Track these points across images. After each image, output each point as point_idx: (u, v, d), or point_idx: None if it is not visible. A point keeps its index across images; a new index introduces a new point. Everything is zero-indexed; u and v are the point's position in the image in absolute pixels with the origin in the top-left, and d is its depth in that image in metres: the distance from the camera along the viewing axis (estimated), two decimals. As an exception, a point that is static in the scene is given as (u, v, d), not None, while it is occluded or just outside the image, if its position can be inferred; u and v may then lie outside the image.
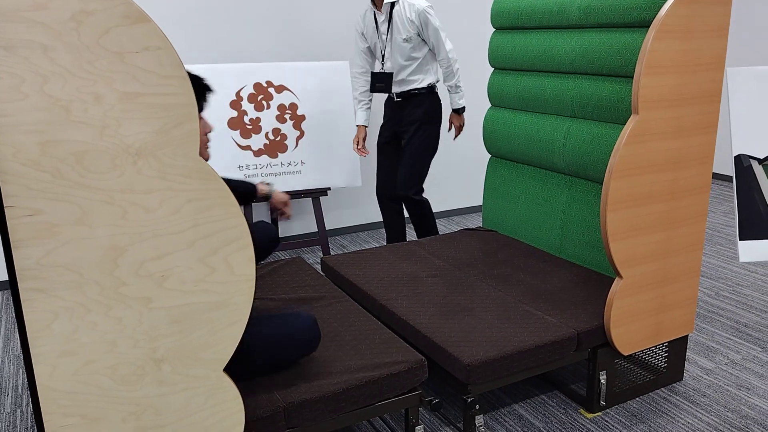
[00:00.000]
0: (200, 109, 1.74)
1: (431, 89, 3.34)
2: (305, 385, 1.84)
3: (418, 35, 3.20)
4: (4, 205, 1.27)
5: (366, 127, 3.51)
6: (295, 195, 3.82)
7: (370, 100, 3.50)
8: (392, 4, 3.18)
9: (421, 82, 3.29)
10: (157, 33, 1.33)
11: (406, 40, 3.18)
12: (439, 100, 3.41)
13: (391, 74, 3.29)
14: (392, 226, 3.60)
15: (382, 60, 3.29)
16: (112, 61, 1.31)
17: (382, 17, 3.20)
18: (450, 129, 3.52)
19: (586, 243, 2.72)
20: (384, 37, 3.23)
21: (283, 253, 4.16)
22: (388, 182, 3.51)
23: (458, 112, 3.39)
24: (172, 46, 1.35)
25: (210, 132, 1.91)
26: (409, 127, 3.35)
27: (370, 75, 3.40)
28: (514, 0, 2.94)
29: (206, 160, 1.84)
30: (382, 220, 3.68)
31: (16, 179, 1.27)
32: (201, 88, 1.80)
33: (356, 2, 4.23)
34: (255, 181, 3.67)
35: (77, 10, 1.26)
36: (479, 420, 2.13)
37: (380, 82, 3.32)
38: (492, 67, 3.19)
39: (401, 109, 3.38)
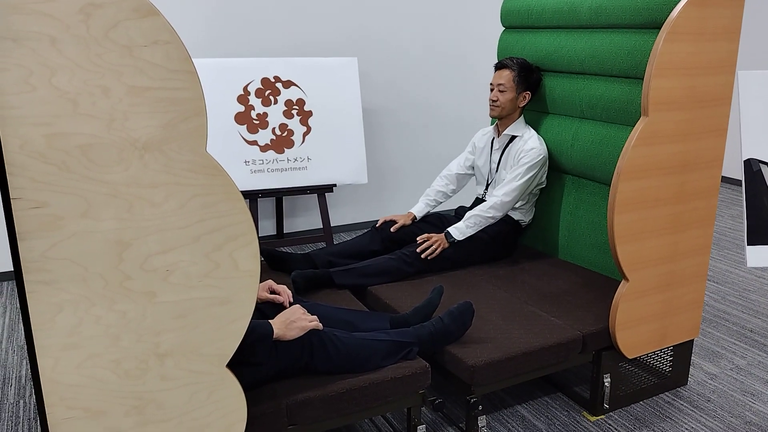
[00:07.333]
0: None
1: (516, 224, 2.89)
2: (308, 384, 1.83)
3: None
4: (11, 197, 1.27)
5: (415, 219, 2.92)
6: (300, 191, 3.81)
7: (439, 202, 3.03)
8: (512, 137, 2.85)
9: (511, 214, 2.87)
10: (166, 27, 1.32)
11: None
12: (516, 237, 2.92)
13: None
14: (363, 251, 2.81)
15: (486, 188, 2.94)
16: (120, 54, 1.30)
17: (497, 145, 2.90)
18: (423, 244, 2.68)
19: (593, 245, 2.71)
20: (494, 166, 2.91)
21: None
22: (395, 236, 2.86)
23: (447, 237, 2.71)
24: (180, 41, 1.34)
25: None
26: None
27: (455, 179, 3.04)
28: (524, -1, 2.93)
29: None
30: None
31: (22, 171, 1.27)
32: None
33: (365, -1, 4.23)
34: (261, 175, 3.68)
35: (86, 2, 1.25)
36: (482, 421, 2.12)
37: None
38: (501, 66, 3.17)
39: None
